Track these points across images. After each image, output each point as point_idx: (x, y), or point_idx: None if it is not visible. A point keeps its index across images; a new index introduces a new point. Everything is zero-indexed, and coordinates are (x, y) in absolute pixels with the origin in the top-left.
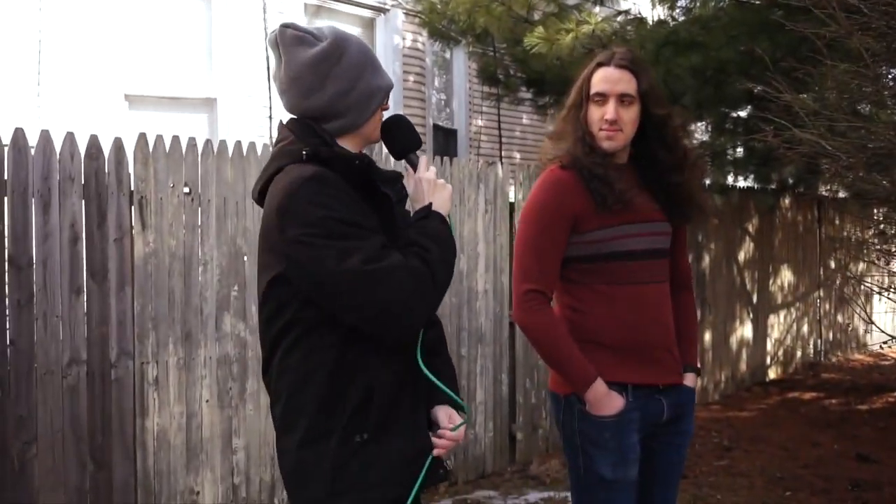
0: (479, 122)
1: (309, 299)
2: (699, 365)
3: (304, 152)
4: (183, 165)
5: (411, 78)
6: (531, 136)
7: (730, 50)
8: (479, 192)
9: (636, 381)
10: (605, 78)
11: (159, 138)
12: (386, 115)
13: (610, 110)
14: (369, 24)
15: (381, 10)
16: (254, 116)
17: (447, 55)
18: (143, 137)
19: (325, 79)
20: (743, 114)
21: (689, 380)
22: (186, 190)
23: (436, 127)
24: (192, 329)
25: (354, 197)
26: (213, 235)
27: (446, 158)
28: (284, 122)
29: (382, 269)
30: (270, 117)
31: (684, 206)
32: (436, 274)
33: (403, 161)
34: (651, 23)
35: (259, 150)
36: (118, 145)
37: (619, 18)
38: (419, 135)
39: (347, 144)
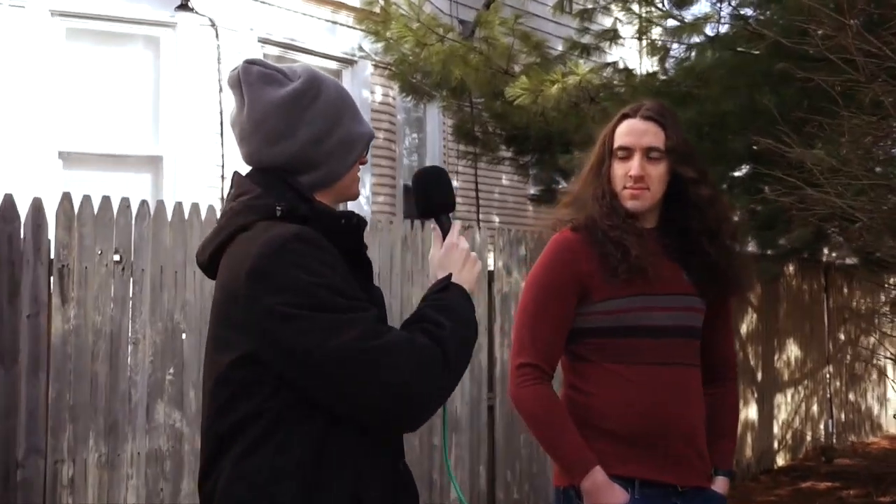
0: (455, 183)
1: (284, 384)
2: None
3: (278, 208)
4: (114, 229)
5: (381, 135)
6: (511, 197)
7: (729, 102)
8: None
9: (645, 476)
10: (630, 130)
11: (86, 199)
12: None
13: (635, 165)
14: (335, 77)
15: (348, 61)
16: (205, 176)
17: (420, 111)
18: (66, 198)
19: (296, 123)
20: (742, 173)
21: (719, 485)
22: (117, 258)
23: (407, 188)
24: (117, 420)
25: (342, 262)
26: (147, 310)
27: (416, 223)
28: (244, 174)
29: (383, 347)
30: (223, 177)
31: (719, 279)
32: (448, 353)
33: (432, 222)
34: (641, 75)
35: (203, 212)
36: (37, 206)
37: (608, 70)
38: (450, 195)
39: (322, 201)
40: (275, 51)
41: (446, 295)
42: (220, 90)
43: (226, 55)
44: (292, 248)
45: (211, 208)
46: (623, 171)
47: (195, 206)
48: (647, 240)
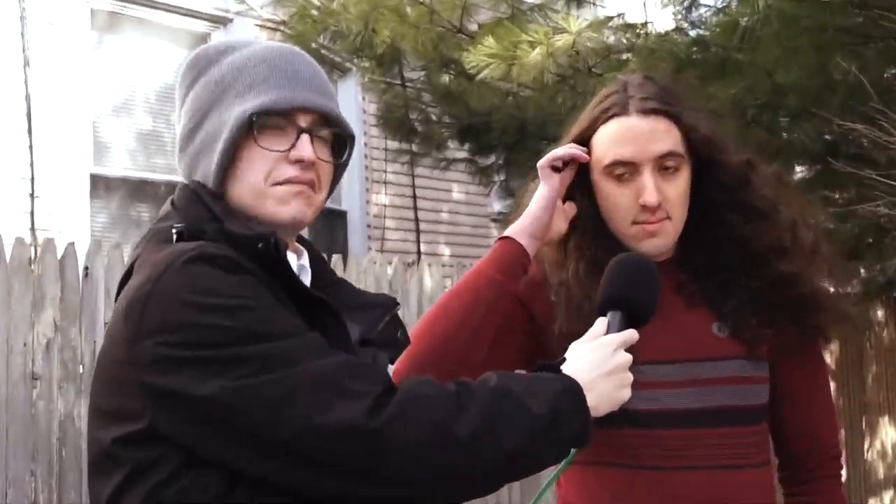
0: (383, 198)
1: (190, 463)
2: None
3: (174, 230)
4: None
5: None
6: (466, 217)
7: (790, 72)
8: None
9: None
10: (629, 135)
11: None
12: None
13: (649, 189)
14: (202, 42)
15: (220, 20)
16: (9, 196)
17: None
18: None
19: (189, 117)
20: (806, 173)
21: None
22: None
23: None
24: None
25: (276, 298)
26: None
27: (335, 257)
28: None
29: (321, 371)
30: (33, 195)
31: (801, 316)
32: (459, 426)
33: (607, 317)
34: (657, 33)
35: (8, 250)
36: None
37: (611, 27)
38: (654, 307)
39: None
40: (106, 5)
41: (537, 378)
42: (27, 65)
43: (34, 15)
44: (186, 268)
45: (20, 243)
46: (629, 199)
47: None
48: (664, 285)
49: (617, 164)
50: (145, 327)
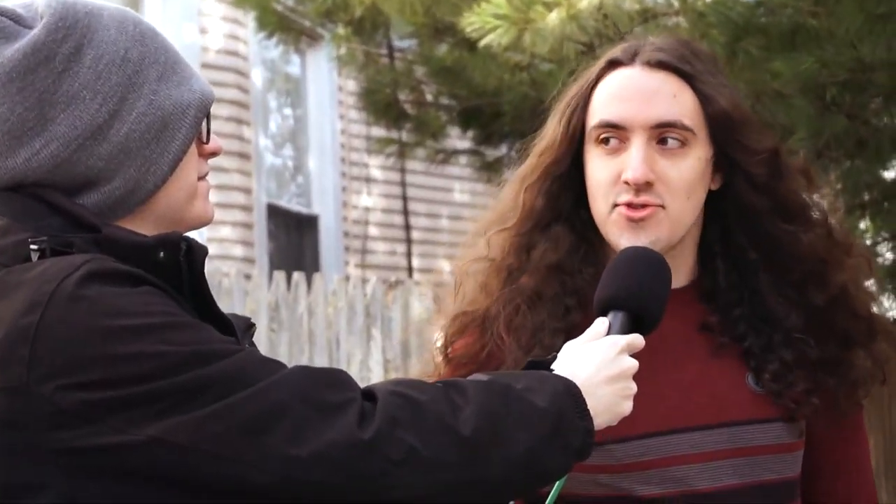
0: (364, 200)
1: None
2: None
3: (32, 247)
4: None
5: (222, 111)
6: (470, 225)
7: (880, 42)
8: (370, 345)
9: None
10: (625, 92)
11: None
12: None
13: (635, 159)
14: (132, 6)
15: None
16: None
17: (296, 65)
18: None
19: (46, 105)
20: None
21: None
22: None
23: (274, 210)
24: None
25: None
26: None
27: (298, 275)
28: None
29: (299, 391)
30: None
31: (821, 373)
32: (461, 425)
33: (607, 318)
34: None
35: None
36: None
37: None
38: (662, 313)
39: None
40: None
41: (526, 373)
42: None
43: None
44: (81, 289)
45: None
46: (611, 174)
47: None
48: (676, 321)
49: (603, 126)
50: (38, 370)
